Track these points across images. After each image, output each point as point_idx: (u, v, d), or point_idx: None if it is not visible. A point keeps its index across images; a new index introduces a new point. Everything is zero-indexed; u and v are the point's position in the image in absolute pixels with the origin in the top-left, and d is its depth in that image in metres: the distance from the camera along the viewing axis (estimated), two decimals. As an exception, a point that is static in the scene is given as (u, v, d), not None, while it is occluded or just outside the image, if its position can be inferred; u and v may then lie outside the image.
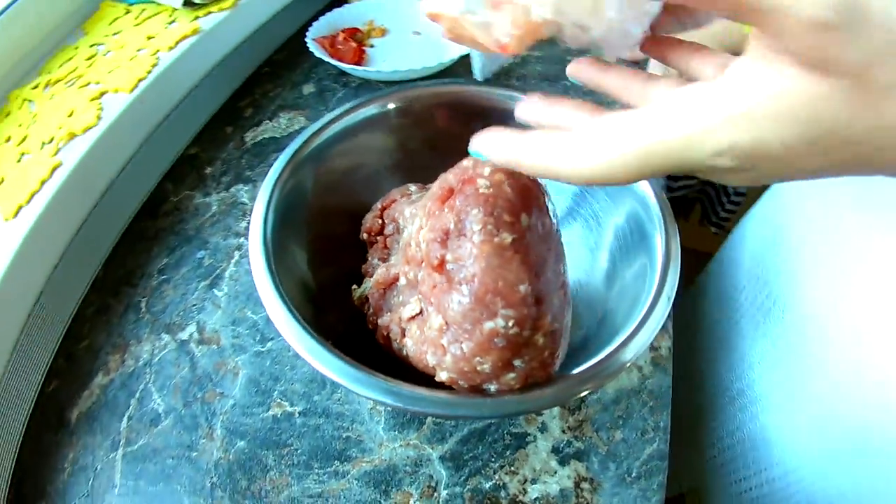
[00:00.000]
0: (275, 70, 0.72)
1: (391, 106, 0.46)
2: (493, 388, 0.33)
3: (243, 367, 0.46)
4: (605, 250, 0.44)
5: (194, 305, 0.49)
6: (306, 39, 0.67)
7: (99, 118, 0.50)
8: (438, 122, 0.48)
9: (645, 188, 0.41)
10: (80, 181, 0.48)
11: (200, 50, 0.59)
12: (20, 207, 0.44)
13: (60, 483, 0.41)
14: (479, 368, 0.32)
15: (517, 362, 0.32)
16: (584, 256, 0.45)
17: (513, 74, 0.68)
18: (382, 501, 0.40)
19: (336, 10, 0.73)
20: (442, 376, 0.33)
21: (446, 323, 0.32)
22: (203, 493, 0.40)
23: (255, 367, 0.45)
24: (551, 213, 0.34)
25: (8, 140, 0.51)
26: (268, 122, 0.65)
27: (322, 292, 0.42)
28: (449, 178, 0.34)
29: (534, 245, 0.31)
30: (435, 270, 0.33)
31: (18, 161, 0.49)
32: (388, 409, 0.43)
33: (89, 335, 0.49)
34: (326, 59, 0.65)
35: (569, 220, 0.47)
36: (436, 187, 0.35)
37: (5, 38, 0.56)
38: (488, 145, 0.27)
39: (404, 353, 0.36)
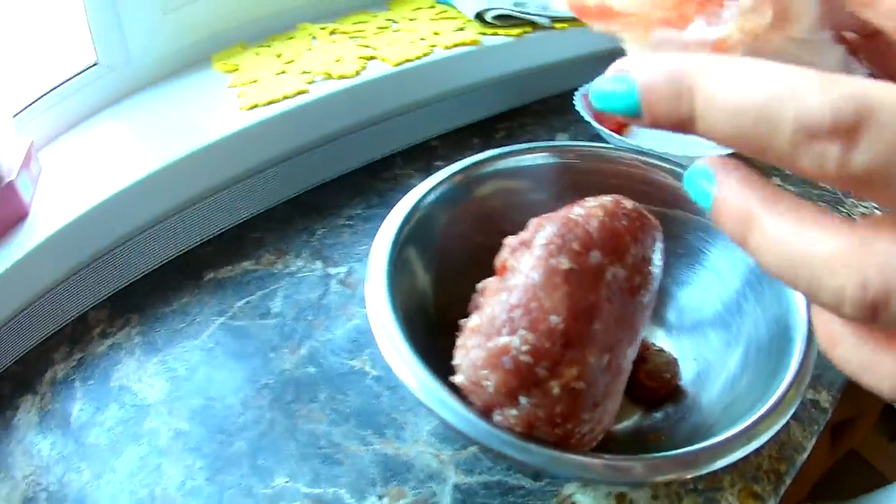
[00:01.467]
0: (542, 109, 0.75)
1: (574, 161, 0.46)
2: (497, 417, 0.30)
3: (358, 319, 0.49)
4: (739, 348, 0.38)
5: (356, 255, 0.55)
6: (575, 93, 0.70)
7: (357, 74, 0.59)
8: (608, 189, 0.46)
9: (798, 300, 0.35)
10: (313, 114, 0.58)
11: (472, 60, 0.66)
12: (256, 106, 0.56)
13: (160, 312, 0.50)
14: (484, 384, 0.30)
15: (522, 399, 0.29)
16: (717, 346, 0.40)
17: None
18: (378, 484, 0.39)
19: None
20: (458, 379, 0.32)
21: (479, 325, 0.31)
22: (255, 385, 0.45)
23: (366, 324, 0.48)
24: (641, 269, 0.30)
25: (279, 56, 0.65)
26: (509, 149, 0.69)
27: (438, 311, 0.43)
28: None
29: (592, 287, 0.28)
30: (497, 273, 0.32)
31: (277, 75, 0.61)
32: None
33: (263, 232, 0.58)
34: (586, 116, 0.66)
35: (715, 308, 0.41)
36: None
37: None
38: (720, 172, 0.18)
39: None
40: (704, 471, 0.29)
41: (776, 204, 0.15)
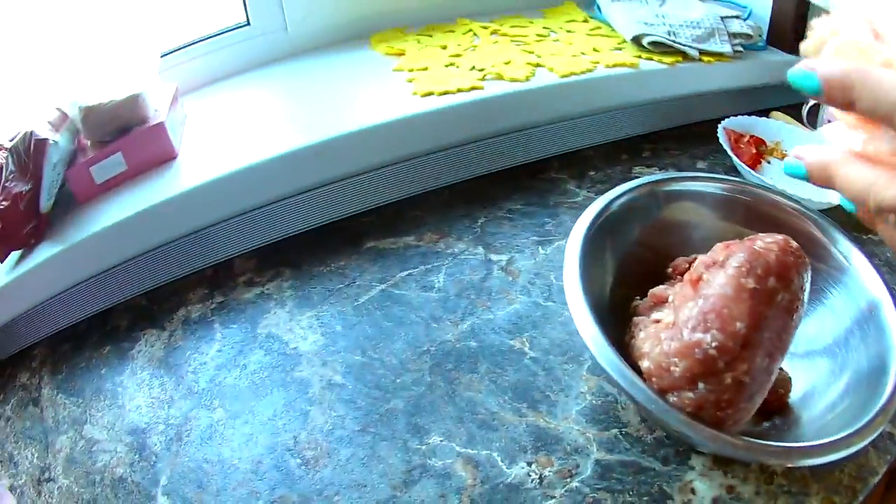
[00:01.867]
0: (685, 134, 0.88)
1: (743, 198, 0.59)
2: (672, 398, 0.43)
3: (519, 305, 0.62)
4: (843, 377, 0.50)
5: (516, 246, 0.68)
6: (720, 126, 0.82)
7: (528, 79, 0.74)
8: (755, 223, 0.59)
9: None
10: (488, 111, 0.71)
11: (631, 82, 0.79)
12: (431, 93, 0.71)
13: (316, 270, 0.65)
14: (671, 369, 0.43)
15: (700, 384, 0.42)
16: (824, 373, 0.53)
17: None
18: (529, 452, 0.51)
19: (756, 118, 0.86)
20: (644, 364, 0.45)
21: (674, 322, 0.44)
22: (416, 350, 0.58)
23: (526, 309, 0.62)
24: (798, 297, 0.43)
25: (444, 48, 0.80)
26: (656, 168, 0.82)
27: (612, 302, 0.56)
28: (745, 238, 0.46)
29: (767, 305, 0.41)
30: (690, 284, 0.45)
31: (446, 66, 0.76)
32: (596, 402, 0.55)
33: (423, 212, 0.72)
34: (727, 148, 0.79)
35: (826, 340, 0.55)
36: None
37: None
38: (807, 152, 0.32)
39: (633, 344, 0.48)
40: (813, 462, 0.42)
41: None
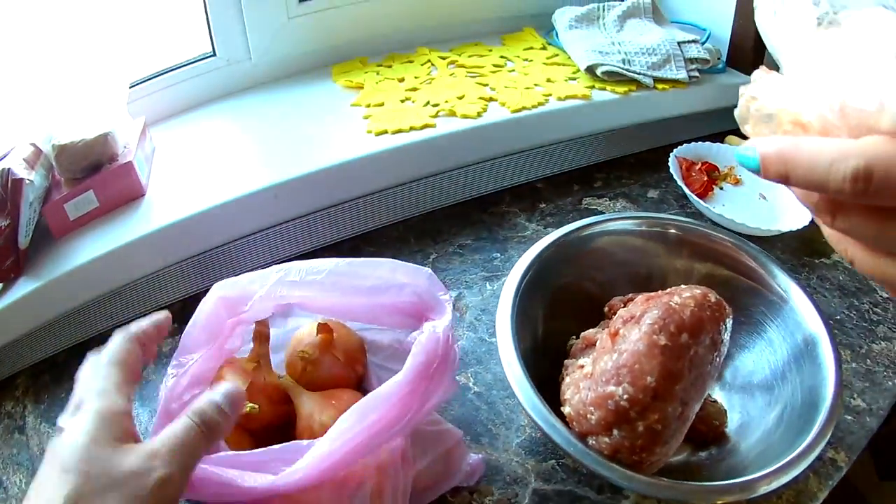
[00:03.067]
0: (638, 164, 0.93)
1: (672, 231, 0.64)
2: (591, 441, 0.48)
3: (466, 341, 0.67)
4: (777, 408, 0.56)
5: (465, 282, 0.73)
6: (671, 154, 0.87)
7: (479, 115, 0.78)
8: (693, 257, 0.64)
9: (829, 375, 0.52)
10: (439, 149, 0.76)
11: (582, 114, 0.83)
12: (385, 132, 0.75)
13: None
14: (588, 417, 0.47)
15: (615, 431, 0.46)
16: (760, 405, 0.58)
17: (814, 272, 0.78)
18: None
19: (709, 144, 0.91)
20: (566, 409, 0.50)
21: (591, 373, 0.48)
22: None
23: (472, 345, 0.67)
24: (715, 353, 0.48)
25: (401, 81, 0.84)
26: (607, 199, 0.86)
27: (545, 338, 0.61)
28: (666, 290, 0.51)
29: (678, 359, 0.46)
30: (610, 336, 0.49)
31: (402, 101, 0.80)
32: (535, 434, 0.60)
33: (379, 248, 0.77)
34: (677, 177, 0.83)
35: (764, 373, 0.60)
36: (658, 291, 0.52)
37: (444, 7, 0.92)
38: (760, 143, 0.32)
39: (562, 387, 0.53)
40: (734, 499, 0.47)
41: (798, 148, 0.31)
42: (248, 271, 0.71)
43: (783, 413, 0.55)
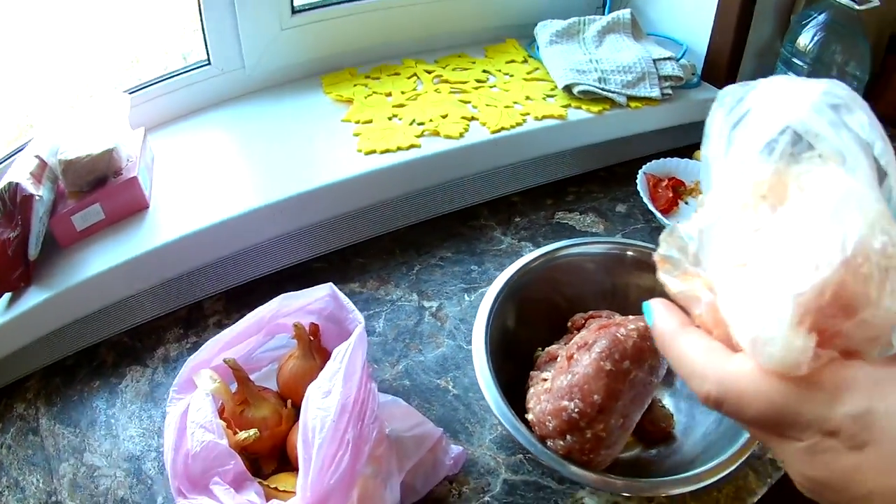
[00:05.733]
0: (609, 177, 1.05)
1: (629, 253, 0.77)
2: (549, 443, 0.62)
3: (446, 348, 0.79)
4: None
5: (446, 293, 0.85)
6: (640, 171, 1.00)
7: (461, 135, 0.89)
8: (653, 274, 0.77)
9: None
10: (423, 168, 0.87)
11: (558, 132, 0.95)
12: (373, 151, 0.85)
13: None
14: (546, 424, 0.61)
15: (568, 436, 0.60)
16: (703, 409, 0.68)
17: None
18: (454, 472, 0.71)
19: (679, 160, 1.03)
20: (529, 416, 0.63)
21: (550, 388, 0.62)
22: None
23: (452, 352, 0.80)
24: (653, 376, 0.61)
25: (389, 95, 0.95)
26: (577, 213, 0.99)
27: (517, 345, 0.73)
28: (617, 319, 0.64)
29: (621, 382, 0.59)
30: (567, 358, 0.63)
31: (389, 119, 0.91)
32: (505, 431, 0.74)
33: (367, 259, 0.89)
34: (643, 194, 0.96)
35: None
36: (609, 320, 0.65)
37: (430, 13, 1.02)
38: (654, 314, 0.39)
39: (527, 395, 0.67)
40: (675, 492, 0.60)
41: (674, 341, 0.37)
42: (248, 280, 0.85)
43: (722, 417, 0.66)
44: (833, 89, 0.33)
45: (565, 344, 0.72)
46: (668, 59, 1.09)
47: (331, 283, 0.67)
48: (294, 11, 1.03)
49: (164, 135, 0.96)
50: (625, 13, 1.15)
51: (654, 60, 1.07)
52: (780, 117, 0.33)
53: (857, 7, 1.05)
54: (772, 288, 0.30)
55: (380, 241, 0.93)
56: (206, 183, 0.86)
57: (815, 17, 1.12)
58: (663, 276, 0.38)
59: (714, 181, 0.36)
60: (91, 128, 0.83)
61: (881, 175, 0.31)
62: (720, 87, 1.19)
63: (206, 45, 1.00)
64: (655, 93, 1.04)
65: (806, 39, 1.14)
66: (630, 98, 1.02)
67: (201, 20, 0.97)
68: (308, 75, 1.06)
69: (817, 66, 1.14)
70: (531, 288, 0.75)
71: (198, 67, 1.01)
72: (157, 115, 0.98)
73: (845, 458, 0.29)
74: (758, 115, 0.34)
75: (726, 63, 1.18)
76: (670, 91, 1.06)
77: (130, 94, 0.94)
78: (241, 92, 1.04)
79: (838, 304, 0.29)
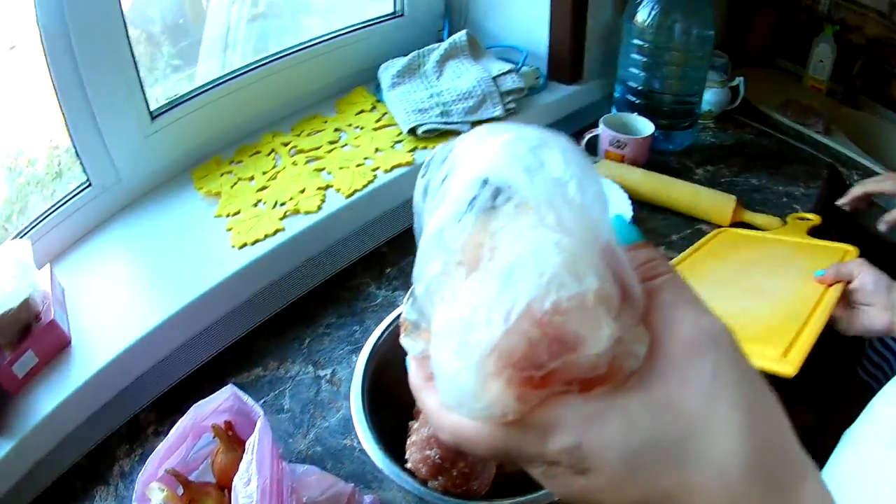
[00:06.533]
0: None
1: None
2: (431, 484, 0.72)
3: (345, 410, 0.90)
4: None
5: (336, 358, 0.95)
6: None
7: (319, 208, 0.98)
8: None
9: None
10: (292, 248, 0.96)
11: (407, 179, 1.04)
12: (245, 244, 0.95)
13: None
14: (420, 470, 0.71)
15: (439, 478, 0.71)
16: None
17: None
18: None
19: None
20: (408, 464, 0.74)
21: (415, 440, 0.73)
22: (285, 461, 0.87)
23: (349, 413, 0.90)
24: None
25: (251, 179, 1.03)
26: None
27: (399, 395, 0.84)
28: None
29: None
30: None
31: (255, 205, 0.99)
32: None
33: (265, 342, 0.98)
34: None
35: None
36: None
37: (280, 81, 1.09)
38: (409, 369, 0.39)
39: (406, 445, 0.77)
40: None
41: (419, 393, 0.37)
42: (171, 385, 0.94)
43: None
44: (525, 133, 0.32)
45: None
46: (509, 72, 1.17)
47: (231, 385, 0.76)
48: (153, 117, 1.10)
49: (63, 266, 1.03)
50: (461, 36, 1.23)
51: (494, 78, 1.16)
52: (476, 170, 0.31)
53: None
54: (459, 352, 0.30)
55: (273, 321, 1.02)
56: (111, 307, 0.94)
57: (648, -10, 1.18)
58: (403, 339, 0.39)
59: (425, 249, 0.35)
60: (2, 281, 0.90)
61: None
62: (567, 82, 1.29)
63: (82, 166, 1.06)
64: (499, 111, 1.12)
65: (644, 15, 1.22)
66: (474, 124, 1.10)
67: (73, 143, 1.03)
68: (180, 172, 1.14)
69: (661, 39, 1.21)
70: (395, 345, 0.85)
71: (81, 191, 1.07)
72: (55, 246, 1.05)
73: (576, 480, 0.32)
74: (459, 172, 0.33)
75: (569, 55, 1.25)
76: (514, 105, 1.15)
77: (23, 236, 1.00)
78: (123, 204, 1.10)
79: (542, 349, 0.29)
